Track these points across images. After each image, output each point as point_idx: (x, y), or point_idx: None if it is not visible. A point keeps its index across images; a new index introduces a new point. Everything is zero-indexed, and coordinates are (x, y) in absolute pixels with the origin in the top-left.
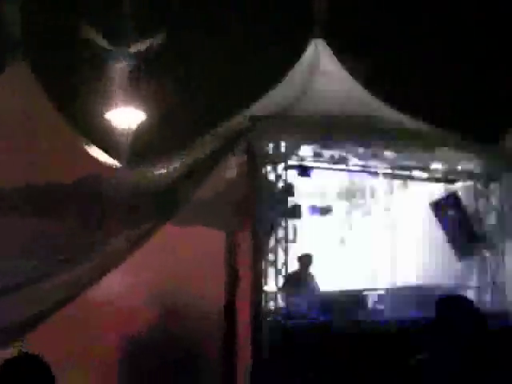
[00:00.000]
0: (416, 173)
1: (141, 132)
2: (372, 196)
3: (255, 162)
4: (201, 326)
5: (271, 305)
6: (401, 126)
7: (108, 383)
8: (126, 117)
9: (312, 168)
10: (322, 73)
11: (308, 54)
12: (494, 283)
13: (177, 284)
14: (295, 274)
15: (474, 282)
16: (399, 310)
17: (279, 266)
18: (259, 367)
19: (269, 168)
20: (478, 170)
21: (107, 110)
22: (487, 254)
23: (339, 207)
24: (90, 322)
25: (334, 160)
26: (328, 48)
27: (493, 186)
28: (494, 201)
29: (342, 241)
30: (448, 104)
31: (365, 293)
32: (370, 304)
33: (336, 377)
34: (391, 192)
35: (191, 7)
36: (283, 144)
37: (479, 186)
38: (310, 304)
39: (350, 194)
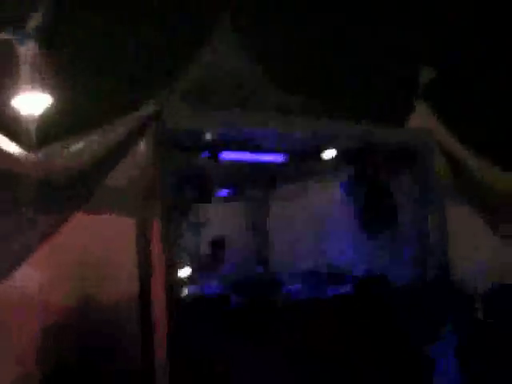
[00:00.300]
0: (326, 152)
1: (47, 117)
2: (284, 179)
3: (164, 145)
4: (117, 313)
5: (184, 289)
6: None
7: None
8: (31, 102)
9: (224, 151)
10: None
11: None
12: (403, 262)
13: (90, 273)
14: (208, 257)
15: (383, 261)
16: (316, 289)
17: (191, 250)
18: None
19: (178, 152)
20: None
21: (10, 95)
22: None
23: (252, 191)
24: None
25: (245, 142)
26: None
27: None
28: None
29: (257, 224)
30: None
31: (281, 275)
32: (286, 285)
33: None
34: (303, 174)
35: None
36: (193, 127)
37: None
38: (225, 286)
39: (263, 178)
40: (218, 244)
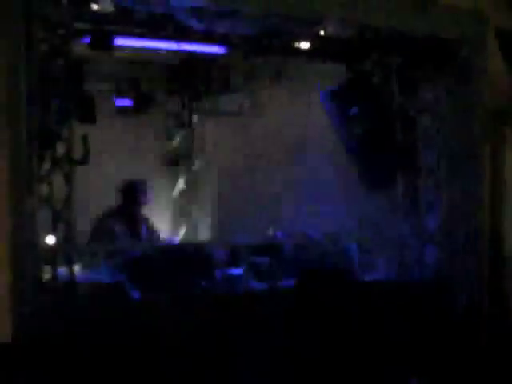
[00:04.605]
0: (298, 44)
1: None
2: (227, 84)
3: (14, 22)
4: None
5: (47, 270)
6: None
7: None
8: None
9: (116, 35)
10: None
11: None
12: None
13: None
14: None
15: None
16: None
17: (58, 204)
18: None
19: (39, 34)
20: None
21: None
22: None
23: (172, 102)
24: None
25: (154, 21)
26: None
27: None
28: (428, 94)
29: (179, 158)
30: None
31: (213, 250)
32: (221, 267)
33: None
34: (260, 76)
35: None
36: None
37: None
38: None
39: (190, 81)
40: (129, 192)
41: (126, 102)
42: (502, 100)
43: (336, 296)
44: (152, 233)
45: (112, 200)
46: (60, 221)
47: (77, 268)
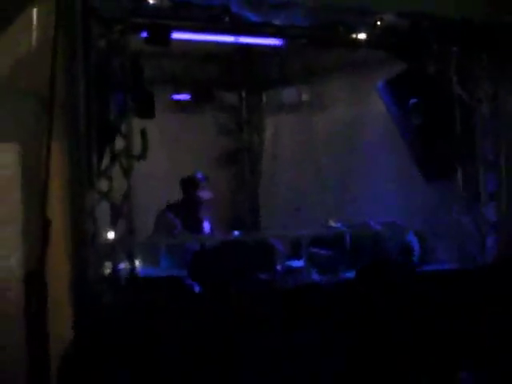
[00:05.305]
0: (356, 35)
1: None
2: (285, 77)
3: (71, 18)
4: None
5: (107, 265)
6: None
7: None
8: None
9: (173, 29)
10: None
11: None
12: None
13: None
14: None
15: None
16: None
17: (116, 198)
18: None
19: (97, 30)
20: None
21: None
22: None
23: (229, 96)
24: None
25: (211, 14)
26: None
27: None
28: (486, 83)
29: (238, 154)
30: None
31: (275, 243)
32: (282, 260)
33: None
34: (317, 69)
35: None
36: None
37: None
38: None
39: (247, 74)
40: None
41: (183, 97)
42: None
43: (407, 286)
44: (214, 226)
45: (170, 194)
46: (119, 215)
47: (137, 262)
